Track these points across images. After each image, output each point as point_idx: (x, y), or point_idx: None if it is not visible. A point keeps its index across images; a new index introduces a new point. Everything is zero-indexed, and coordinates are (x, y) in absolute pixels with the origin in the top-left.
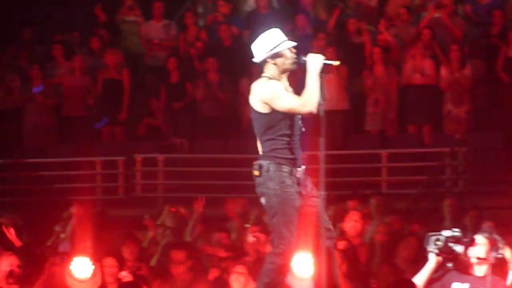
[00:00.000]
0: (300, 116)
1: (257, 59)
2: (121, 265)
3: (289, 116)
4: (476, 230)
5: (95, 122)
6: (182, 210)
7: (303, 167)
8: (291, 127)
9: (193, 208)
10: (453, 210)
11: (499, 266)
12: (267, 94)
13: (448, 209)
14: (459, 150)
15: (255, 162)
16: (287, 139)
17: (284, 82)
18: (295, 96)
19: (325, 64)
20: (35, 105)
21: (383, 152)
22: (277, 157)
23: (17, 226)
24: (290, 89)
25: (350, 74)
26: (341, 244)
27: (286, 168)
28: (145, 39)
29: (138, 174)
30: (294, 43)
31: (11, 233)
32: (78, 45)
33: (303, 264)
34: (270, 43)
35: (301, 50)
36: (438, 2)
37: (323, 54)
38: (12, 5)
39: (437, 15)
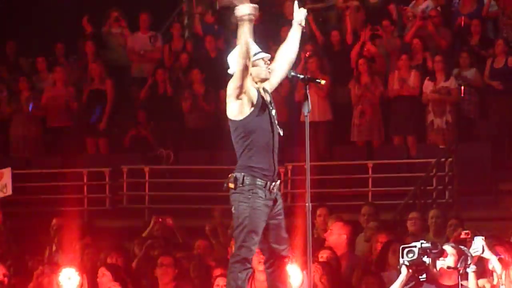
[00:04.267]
0: (276, 130)
1: (231, 70)
2: (115, 276)
3: (262, 123)
4: (455, 239)
5: (86, 123)
6: (169, 221)
7: (278, 181)
8: (266, 135)
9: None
10: (437, 222)
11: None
12: (229, 85)
13: (432, 221)
14: (445, 161)
15: (230, 175)
16: (262, 146)
17: (261, 89)
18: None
19: (311, 81)
20: (22, 116)
21: (369, 163)
22: (253, 168)
23: None
24: (268, 97)
25: (334, 84)
26: (323, 256)
27: (261, 181)
28: (131, 50)
29: (124, 185)
30: (268, 55)
31: None
32: (63, 57)
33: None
34: None
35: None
36: (424, 13)
37: (309, 66)
38: None
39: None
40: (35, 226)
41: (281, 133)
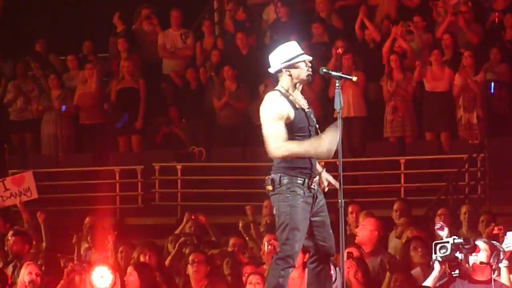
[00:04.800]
0: (312, 127)
1: (272, 69)
2: (141, 276)
3: (299, 130)
4: (488, 235)
5: (115, 125)
6: (201, 218)
7: (317, 178)
8: (304, 136)
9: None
10: (469, 217)
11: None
12: (262, 113)
13: (465, 216)
14: (477, 156)
15: (266, 177)
16: None
17: (297, 94)
18: (277, 132)
19: (342, 78)
20: (53, 115)
21: (402, 159)
22: (289, 168)
23: (24, 235)
24: (303, 101)
25: (367, 80)
26: (356, 252)
27: (299, 180)
28: (162, 47)
29: (156, 183)
30: (310, 57)
31: (15, 242)
32: (92, 54)
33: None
34: (286, 54)
35: (318, 58)
36: (455, 9)
37: (344, 62)
38: (25, 16)
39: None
40: (67, 225)
41: (319, 132)
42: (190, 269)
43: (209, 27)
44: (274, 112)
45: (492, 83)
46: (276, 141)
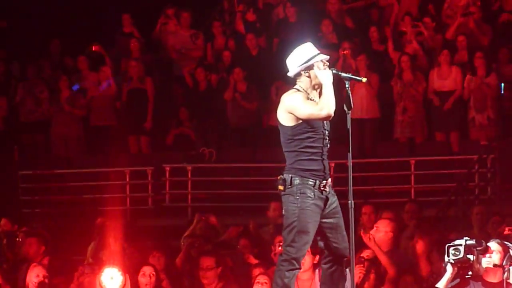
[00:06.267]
0: (326, 131)
1: (291, 73)
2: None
3: (313, 130)
4: (498, 237)
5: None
6: (212, 219)
7: (329, 179)
8: (316, 140)
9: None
10: (480, 218)
11: None
12: (289, 104)
13: (477, 217)
14: (487, 157)
15: (279, 177)
16: (312, 150)
17: (315, 95)
18: (313, 103)
19: (352, 79)
20: (63, 116)
21: (412, 160)
22: (301, 169)
23: (41, 236)
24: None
25: (381, 81)
26: (368, 254)
27: (310, 181)
28: (172, 48)
29: (167, 184)
30: (327, 56)
31: (30, 244)
32: (102, 56)
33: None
34: (303, 56)
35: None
36: (465, 10)
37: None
38: (38, 18)
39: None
40: (77, 226)
41: (328, 144)
42: (201, 275)
43: (220, 28)
44: (299, 97)
45: (502, 84)
46: (317, 109)
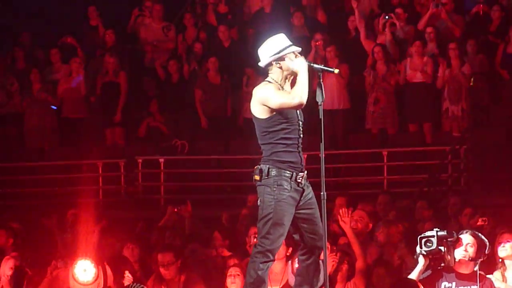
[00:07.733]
0: (301, 122)
1: (262, 63)
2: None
3: (288, 121)
4: (472, 227)
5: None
6: (184, 211)
7: (305, 172)
8: (292, 131)
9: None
10: (456, 209)
11: (488, 263)
12: (261, 95)
13: (449, 208)
14: (460, 148)
15: (255, 167)
16: (288, 142)
17: (287, 86)
18: (284, 92)
19: (324, 70)
20: (37, 108)
21: (384, 151)
22: (278, 161)
23: (9, 229)
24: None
25: (350, 73)
26: (342, 243)
27: (288, 173)
28: (145, 41)
29: (139, 176)
30: (299, 48)
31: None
32: (74, 48)
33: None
34: (276, 46)
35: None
36: (436, 0)
37: (327, 55)
38: (10, 10)
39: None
40: (50, 218)
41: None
42: (161, 271)
43: (191, 20)
44: (271, 87)
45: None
46: (289, 98)
